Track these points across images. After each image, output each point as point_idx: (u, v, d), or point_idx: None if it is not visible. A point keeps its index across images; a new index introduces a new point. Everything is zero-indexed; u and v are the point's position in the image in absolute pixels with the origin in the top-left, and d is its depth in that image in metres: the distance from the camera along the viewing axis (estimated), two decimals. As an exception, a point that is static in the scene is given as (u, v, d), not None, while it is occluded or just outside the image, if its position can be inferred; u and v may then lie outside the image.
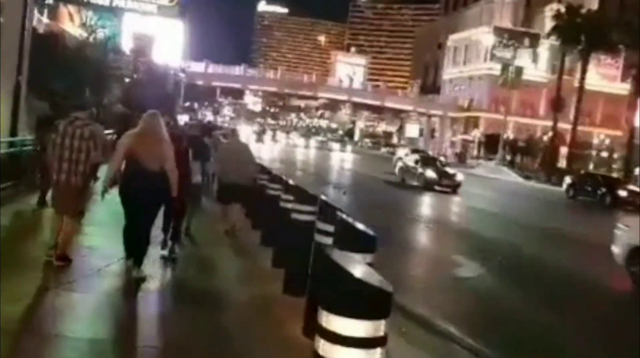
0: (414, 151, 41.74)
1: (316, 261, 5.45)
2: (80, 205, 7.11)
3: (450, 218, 20.66)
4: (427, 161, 30.56)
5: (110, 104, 38.27)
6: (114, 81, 41.16)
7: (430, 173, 27.52)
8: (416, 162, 29.70)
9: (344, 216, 5.04)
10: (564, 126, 53.04)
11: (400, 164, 31.77)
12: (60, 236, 7.00)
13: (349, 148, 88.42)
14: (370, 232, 4.54)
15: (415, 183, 27.99)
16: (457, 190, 27.34)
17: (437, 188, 26.74)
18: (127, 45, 54.46)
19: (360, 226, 4.63)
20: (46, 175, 9.09)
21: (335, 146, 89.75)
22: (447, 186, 27.20)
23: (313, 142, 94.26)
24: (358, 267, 2.93)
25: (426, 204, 23.72)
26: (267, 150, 52.45)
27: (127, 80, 39.82)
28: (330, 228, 5.38)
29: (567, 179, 34.35)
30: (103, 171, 7.06)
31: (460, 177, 28.28)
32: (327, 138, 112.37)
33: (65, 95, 25.21)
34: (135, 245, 6.87)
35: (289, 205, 7.31)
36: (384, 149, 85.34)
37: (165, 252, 8.20)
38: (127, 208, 6.76)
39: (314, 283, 5.27)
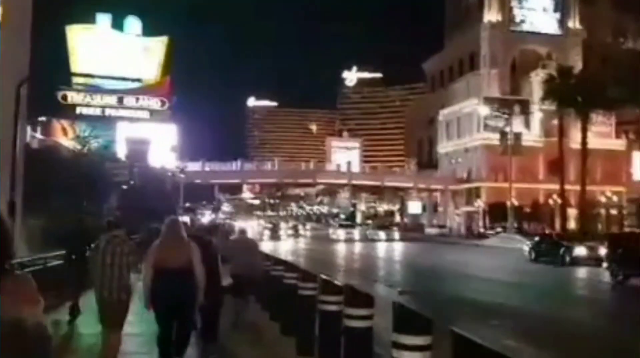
0: None
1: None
2: (124, 318, 7.34)
3: None
4: None
5: (109, 212, 37.67)
6: (111, 189, 40.83)
7: None
8: None
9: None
10: (567, 187, 52.54)
11: None
12: (108, 350, 7.26)
13: (395, 235, 65.24)
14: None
15: None
16: None
17: None
18: (122, 152, 54.71)
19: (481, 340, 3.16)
20: (77, 287, 10.32)
21: (380, 234, 64.95)
22: None
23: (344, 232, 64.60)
24: None
25: None
26: (300, 251, 41.78)
27: (124, 187, 39.48)
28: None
29: None
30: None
31: None
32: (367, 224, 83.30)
33: (64, 209, 24.69)
34: (170, 349, 6.98)
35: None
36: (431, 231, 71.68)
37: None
38: (160, 315, 6.96)
39: None
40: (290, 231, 69.49)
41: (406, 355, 4.31)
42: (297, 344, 8.06)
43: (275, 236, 58.26)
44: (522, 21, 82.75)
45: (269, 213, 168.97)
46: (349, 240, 56.85)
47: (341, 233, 61.59)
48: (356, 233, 63.44)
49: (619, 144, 74.26)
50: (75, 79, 70.87)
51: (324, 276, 7.60)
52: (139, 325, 8.94)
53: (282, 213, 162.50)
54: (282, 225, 75.79)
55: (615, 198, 59.91)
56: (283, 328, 9.52)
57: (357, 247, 49.49)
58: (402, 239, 61.90)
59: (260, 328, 10.39)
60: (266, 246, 34.03)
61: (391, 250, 46.44)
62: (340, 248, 46.72)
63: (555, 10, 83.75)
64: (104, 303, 7.19)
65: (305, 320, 7.75)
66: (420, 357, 4.29)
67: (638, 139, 51.40)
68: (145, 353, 7.97)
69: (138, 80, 73.53)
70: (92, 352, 7.48)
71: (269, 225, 66.71)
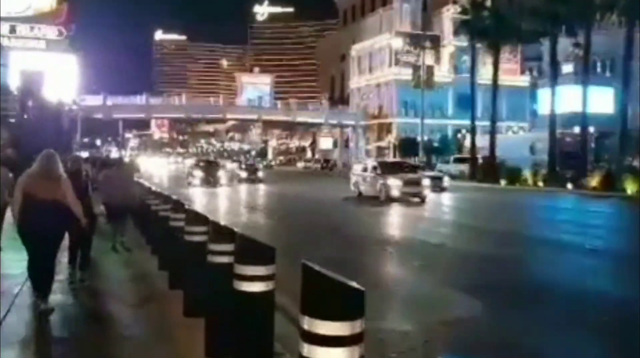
0: None
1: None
2: None
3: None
4: None
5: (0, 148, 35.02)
6: (2, 125, 37.80)
7: None
8: None
9: None
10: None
11: None
12: None
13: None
14: None
15: None
16: None
17: None
18: (15, 84, 50.76)
19: None
20: None
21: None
22: None
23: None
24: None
25: None
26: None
27: (12, 121, 36.58)
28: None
29: None
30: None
31: None
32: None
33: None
34: (40, 279, 7.07)
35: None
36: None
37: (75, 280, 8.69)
38: (28, 246, 7.01)
39: None
40: (243, 174, 45.43)
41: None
42: (185, 301, 6.55)
43: (211, 180, 38.64)
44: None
45: (179, 149, 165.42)
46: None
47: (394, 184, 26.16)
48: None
49: (524, 80, 76.19)
50: (-40, 5, 64.96)
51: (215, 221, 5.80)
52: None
53: (191, 150, 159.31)
54: (224, 163, 53.98)
55: (521, 133, 61.77)
56: (171, 280, 7.96)
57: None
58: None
59: (148, 279, 9.04)
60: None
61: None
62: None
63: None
64: None
65: (194, 273, 6.23)
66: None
67: (543, 75, 52.72)
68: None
69: (31, 7, 68.24)
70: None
71: (200, 164, 44.02)
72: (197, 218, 6.71)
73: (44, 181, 6.93)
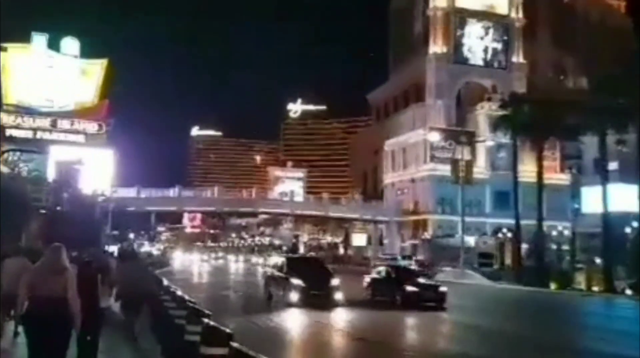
0: None
1: None
2: None
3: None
4: None
5: (29, 240, 34.34)
6: (33, 215, 37.32)
7: None
8: None
9: None
10: (512, 221, 51.32)
11: None
12: None
13: None
14: None
15: None
16: None
17: None
18: (52, 176, 50.98)
19: None
20: None
21: None
22: None
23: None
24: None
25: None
26: None
27: (44, 212, 36.08)
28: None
29: None
30: None
31: None
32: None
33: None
34: None
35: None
36: None
37: None
38: (31, 342, 6.88)
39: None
40: (410, 288, 23.79)
41: None
42: None
43: (319, 295, 22.07)
44: (467, 54, 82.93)
45: (210, 243, 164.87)
46: None
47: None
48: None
49: (563, 178, 74.44)
50: (7, 100, 66.88)
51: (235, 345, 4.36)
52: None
53: (222, 244, 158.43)
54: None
55: (566, 233, 59.54)
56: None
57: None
58: None
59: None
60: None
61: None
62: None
63: (500, 44, 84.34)
64: None
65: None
66: None
67: (584, 173, 51.23)
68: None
69: (73, 103, 70.03)
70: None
71: (295, 264, 24.85)
72: (213, 335, 5.50)
73: (49, 274, 6.97)
